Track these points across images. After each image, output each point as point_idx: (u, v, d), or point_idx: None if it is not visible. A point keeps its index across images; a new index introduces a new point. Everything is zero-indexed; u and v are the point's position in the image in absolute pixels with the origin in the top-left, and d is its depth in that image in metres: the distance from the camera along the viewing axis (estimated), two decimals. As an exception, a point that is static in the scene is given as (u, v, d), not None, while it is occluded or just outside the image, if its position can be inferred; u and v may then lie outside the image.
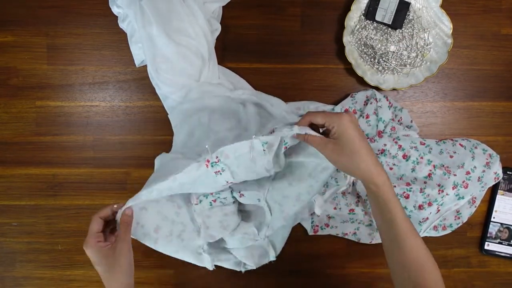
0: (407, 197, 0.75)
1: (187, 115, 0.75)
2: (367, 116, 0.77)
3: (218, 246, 0.74)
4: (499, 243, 0.80)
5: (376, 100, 0.77)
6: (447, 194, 0.75)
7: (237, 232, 0.72)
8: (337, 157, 0.56)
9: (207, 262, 0.71)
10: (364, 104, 0.78)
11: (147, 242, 0.68)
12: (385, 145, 0.76)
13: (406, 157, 0.76)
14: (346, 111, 0.65)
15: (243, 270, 0.76)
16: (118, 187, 0.80)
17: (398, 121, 0.79)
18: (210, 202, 0.70)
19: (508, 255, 0.80)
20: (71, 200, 0.80)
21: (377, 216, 0.59)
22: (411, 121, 0.79)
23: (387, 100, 0.78)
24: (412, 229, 0.57)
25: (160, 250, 0.69)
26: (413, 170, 0.76)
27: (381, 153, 0.76)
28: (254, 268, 0.75)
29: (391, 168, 0.77)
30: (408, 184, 0.75)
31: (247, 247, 0.74)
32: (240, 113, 0.75)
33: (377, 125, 0.77)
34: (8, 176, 0.80)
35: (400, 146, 0.76)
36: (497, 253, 0.81)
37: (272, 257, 0.75)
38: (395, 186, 0.75)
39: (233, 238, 0.72)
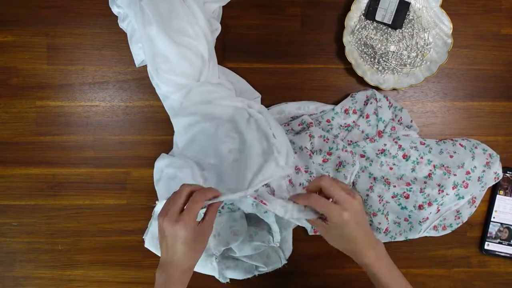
0: (407, 197, 0.75)
1: (191, 123, 0.74)
2: (367, 116, 0.77)
3: (223, 254, 0.75)
4: (499, 243, 0.80)
5: (376, 100, 0.77)
6: (447, 194, 0.75)
7: (255, 240, 0.72)
8: (328, 239, 0.59)
9: (214, 271, 0.72)
10: (364, 104, 0.78)
11: (159, 251, 0.69)
12: (385, 145, 0.76)
13: (406, 157, 0.76)
14: (347, 194, 0.57)
15: (256, 273, 0.76)
16: (118, 187, 0.80)
17: (398, 121, 0.79)
18: (219, 210, 0.70)
19: (508, 255, 0.80)
20: (71, 200, 0.80)
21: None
22: (411, 121, 0.79)
23: (387, 100, 0.78)
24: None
25: None
26: (413, 170, 0.76)
27: (381, 153, 0.76)
28: (267, 270, 0.76)
29: (391, 168, 0.77)
30: (408, 184, 0.75)
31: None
32: (245, 134, 0.72)
33: (377, 125, 0.77)
34: (8, 176, 0.80)
35: (400, 146, 0.76)
36: (497, 253, 0.81)
37: (284, 259, 0.76)
38: (394, 186, 0.75)
39: (248, 245, 0.72)
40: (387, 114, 0.77)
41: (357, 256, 0.58)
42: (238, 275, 0.75)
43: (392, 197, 0.76)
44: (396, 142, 0.76)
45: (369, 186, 0.76)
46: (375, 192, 0.75)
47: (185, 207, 0.56)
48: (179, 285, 0.59)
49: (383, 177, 0.76)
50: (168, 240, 0.56)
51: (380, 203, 0.76)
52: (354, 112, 0.78)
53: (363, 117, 0.77)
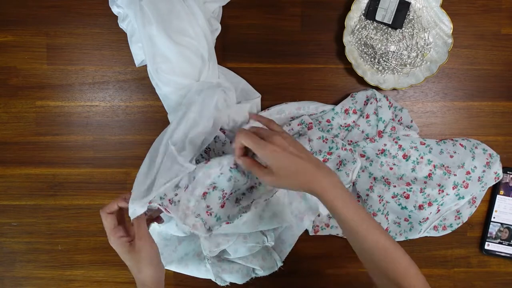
0: (407, 197, 0.75)
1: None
2: (367, 116, 0.77)
3: (219, 257, 0.74)
4: (499, 243, 0.80)
5: (376, 100, 0.77)
6: (447, 194, 0.75)
7: (249, 241, 0.72)
8: (277, 184, 0.58)
9: (209, 273, 0.72)
10: (364, 104, 0.78)
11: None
12: (385, 145, 0.76)
13: (406, 157, 0.76)
14: (277, 133, 0.59)
15: (253, 276, 0.76)
16: (118, 187, 0.80)
17: (398, 121, 0.79)
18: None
19: (508, 255, 0.80)
20: (71, 200, 0.80)
21: (336, 221, 0.58)
22: (411, 121, 0.79)
23: (387, 100, 0.78)
24: (369, 223, 0.55)
25: (167, 267, 0.73)
26: (413, 170, 0.76)
27: (381, 153, 0.76)
28: (264, 274, 0.75)
29: (391, 168, 0.77)
30: (408, 184, 0.75)
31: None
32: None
33: (377, 125, 0.77)
34: (8, 176, 0.80)
35: (400, 146, 0.76)
36: (497, 253, 0.81)
37: (279, 262, 0.76)
38: (394, 186, 0.75)
39: (243, 246, 0.72)
40: (387, 114, 0.77)
41: (309, 186, 0.56)
42: (237, 279, 0.75)
43: (392, 197, 0.76)
44: (396, 142, 0.76)
45: (369, 186, 0.76)
46: (375, 192, 0.75)
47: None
48: None
49: (383, 177, 0.76)
50: None
51: (380, 203, 0.76)
52: (354, 112, 0.78)
53: (363, 117, 0.77)
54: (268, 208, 0.71)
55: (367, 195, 0.76)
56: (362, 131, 0.78)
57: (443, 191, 0.75)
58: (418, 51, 0.78)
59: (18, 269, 0.81)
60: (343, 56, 0.78)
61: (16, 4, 0.78)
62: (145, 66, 0.76)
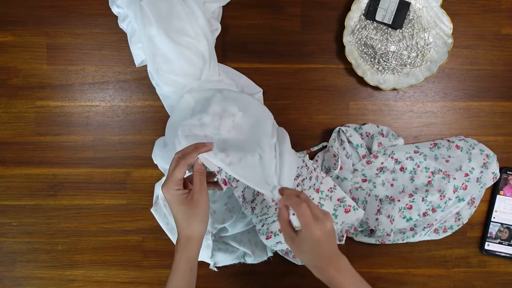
0: (410, 208, 0.76)
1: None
2: (344, 149, 0.77)
3: (215, 236, 0.76)
4: (499, 243, 0.80)
5: (344, 132, 0.77)
6: (449, 199, 0.75)
7: (247, 217, 0.72)
8: (299, 252, 0.58)
9: (208, 248, 0.72)
10: (340, 143, 0.78)
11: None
12: (382, 163, 0.77)
13: (403, 169, 0.77)
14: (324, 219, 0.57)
15: (242, 261, 0.77)
16: (118, 187, 0.80)
17: (381, 134, 0.79)
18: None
19: (508, 255, 0.80)
20: (71, 200, 0.80)
21: None
22: (392, 134, 0.79)
23: (348, 126, 0.78)
24: None
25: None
26: (412, 180, 0.77)
27: (380, 171, 0.77)
28: (253, 261, 0.76)
29: (392, 185, 0.77)
30: (411, 195, 0.75)
31: (248, 233, 0.75)
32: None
33: (357, 152, 0.77)
34: (8, 176, 0.80)
35: (396, 160, 0.76)
36: (497, 253, 0.81)
37: (270, 251, 0.76)
38: (399, 201, 0.75)
39: (241, 221, 0.73)
40: (357, 138, 0.77)
41: (319, 271, 0.57)
42: (227, 259, 0.75)
43: (398, 212, 0.76)
44: (392, 157, 0.76)
45: (376, 209, 0.76)
46: (383, 213, 0.75)
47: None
48: (183, 253, 0.59)
49: (387, 197, 0.76)
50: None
51: (391, 223, 0.75)
52: (335, 156, 0.77)
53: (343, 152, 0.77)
54: None
55: (377, 219, 0.76)
56: (353, 164, 0.78)
57: (444, 196, 0.75)
58: (418, 51, 0.78)
59: (18, 269, 0.81)
60: (343, 56, 0.78)
61: (16, 4, 0.78)
62: (145, 66, 0.76)
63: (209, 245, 0.73)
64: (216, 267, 0.75)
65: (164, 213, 0.76)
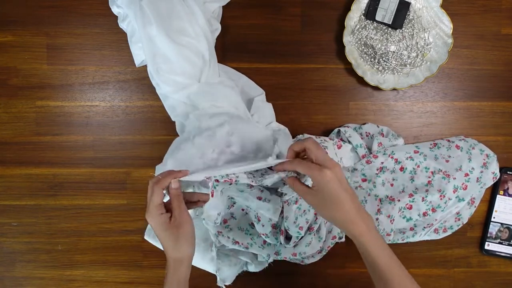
0: (410, 207, 0.76)
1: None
2: (339, 146, 0.78)
3: (218, 250, 0.75)
4: (499, 243, 0.80)
5: (343, 133, 0.77)
6: (449, 199, 0.75)
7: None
8: (317, 208, 0.58)
9: (212, 261, 0.72)
10: (338, 148, 0.78)
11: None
12: (382, 162, 0.76)
13: (403, 169, 0.77)
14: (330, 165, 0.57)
15: (245, 269, 0.77)
16: (118, 187, 0.80)
17: (381, 134, 0.79)
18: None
19: (508, 255, 0.80)
20: (71, 200, 0.80)
21: (365, 262, 0.59)
22: (390, 131, 0.79)
23: (347, 127, 0.78)
24: (399, 270, 0.57)
25: None
26: (412, 180, 0.77)
27: (380, 170, 0.77)
28: (254, 269, 0.76)
29: (391, 184, 0.77)
30: (411, 195, 0.75)
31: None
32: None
33: (356, 152, 0.77)
34: (8, 176, 0.80)
35: (396, 160, 0.76)
36: (497, 253, 0.81)
37: (266, 257, 0.76)
38: (399, 200, 0.75)
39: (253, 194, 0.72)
40: (356, 138, 0.77)
41: (347, 225, 0.57)
42: (233, 272, 0.76)
43: (398, 212, 0.76)
44: (392, 157, 0.76)
45: (376, 209, 0.76)
46: (383, 213, 0.75)
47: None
48: (174, 275, 0.60)
49: (388, 196, 0.76)
50: None
51: (392, 223, 0.75)
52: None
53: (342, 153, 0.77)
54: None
55: (377, 219, 0.76)
56: (354, 163, 0.78)
57: (444, 196, 0.75)
58: (418, 51, 0.78)
59: (18, 269, 0.81)
60: (343, 56, 0.78)
61: (16, 4, 0.78)
62: (145, 66, 0.76)
63: (213, 257, 0.73)
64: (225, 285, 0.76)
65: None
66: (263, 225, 0.72)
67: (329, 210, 0.57)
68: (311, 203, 0.58)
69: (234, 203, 0.75)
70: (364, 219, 0.57)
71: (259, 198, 0.71)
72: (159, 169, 0.68)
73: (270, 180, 0.63)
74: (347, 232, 0.58)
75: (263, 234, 0.73)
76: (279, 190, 0.71)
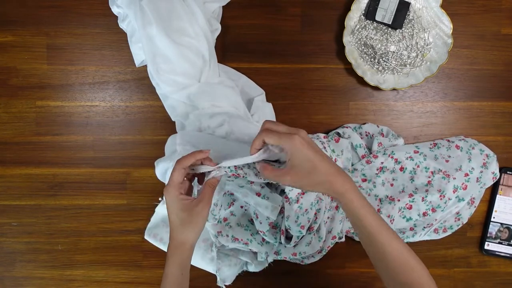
0: (409, 207, 0.76)
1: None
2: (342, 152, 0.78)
3: (219, 251, 0.75)
4: (499, 243, 0.80)
5: (341, 135, 0.78)
6: (449, 199, 0.75)
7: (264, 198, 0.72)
8: (297, 182, 0.56)
9: (212, 261, 0.72)
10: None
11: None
12: (382, 162, 0.76)
13: (403, 169, 0.77)
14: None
15: (245, 269, 0.77)
16: (118, 187, 0.80)
17: (381, 134, 0.79)
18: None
19: (508, 255, 0.80)
20: (71, 200, 0.80)
21: (351, 223, 0.59)
22: (390, 132, 0.79)
23: (347, 127, 0.78)
24: (386, 229, 0.56)
25: None
26: (412, 180, 0.76)
27: (380, 170, 0.77)
28: (254, 269, 0.76)
29: (391, 184, 0.77)
30: (411, 195, 0.75)
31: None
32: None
33: (356, 152, 0.77)
34: (8, 176, 0.80)
35: (396, 160, 0.76)
36: (497, 253, 0.81)
37: (264, 254, 0.76)
38: (398, 200, 0.75)
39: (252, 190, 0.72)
40: (356, 138, 0.77)
41: (332, 185, 0.55)
42: (233, 272, 0.76)
43: (398, 212, 0.76)
44: (392, 157, 0.76)
45: (376, 209, 0.76)
46: (383, 213, 0.75)
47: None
48: (175, 256, 0.59)
49: (387, 196, 0.76)
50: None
51: (392, 223, 0.75)
52: (335, 161, 0.77)
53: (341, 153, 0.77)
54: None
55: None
56: (352, 164, 0.78)
57: (444, 196, 0.75)
58: (418, 51, 0.78)
59: (18, 269, 0.81)
60: (343, 56, 0.78)
61: (16, 4, 0.78)
62: (145, 66, 0.76)
63: (213, 257, 0.73)
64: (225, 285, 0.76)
65: (160, 238, 0.78)
66: (260, 223, 0.73)
67: (310, 177, 0.55)
68: (290, 181, 0.56)
69: (234, 200, 0.75)
70: (346, 176, 0.57)
71: (258, 195, 0.71)
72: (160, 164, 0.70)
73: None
74: (333, 193, 0.56)
75: (261, 232, 0.73)
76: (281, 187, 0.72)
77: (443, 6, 0.76)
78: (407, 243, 0.79)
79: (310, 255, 0.76)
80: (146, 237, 0.78)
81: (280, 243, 0.74)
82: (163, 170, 0.72)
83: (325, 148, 0.74)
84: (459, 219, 0.79)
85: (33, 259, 0.81)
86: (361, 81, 0.78)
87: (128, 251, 0.81)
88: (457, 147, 0.78)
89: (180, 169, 0.58)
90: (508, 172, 0.80)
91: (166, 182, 0.74)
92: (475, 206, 0.79)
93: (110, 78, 0.80)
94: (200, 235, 0.61)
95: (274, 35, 0.79)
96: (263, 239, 0.75)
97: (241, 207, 0.76)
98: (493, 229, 0.80)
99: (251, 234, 0.74)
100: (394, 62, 0.78)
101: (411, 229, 0.77)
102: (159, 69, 0.72)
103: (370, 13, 0.77)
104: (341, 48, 0.78)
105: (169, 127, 0.78)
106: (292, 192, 0.70)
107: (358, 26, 0.78)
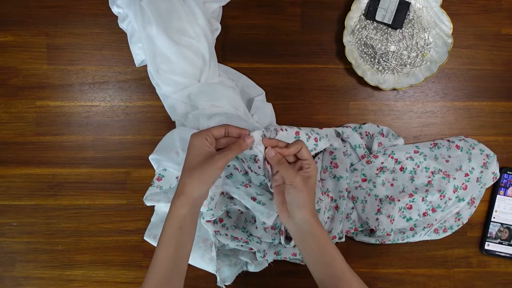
0: (410, 207, 0.76)
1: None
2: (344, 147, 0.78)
3: (218, 251, 0.75)
4: (499, 243, 0.80)
5: (343, 133, 0.78)
6: (449, 199, 0.75)
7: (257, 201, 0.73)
8: (299, 191, 0.61)
9: (212, 261, 0.72)
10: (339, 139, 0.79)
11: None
12: (382, 162, 0.76)
13: (403, 169, 0.77)
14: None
15: (245, 269, 0.77)
16: (118, 187, 0.80)
17: (382, 134, 0.79)
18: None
19: (508, 255, 0.80)
20: (71, 200, 0.80)
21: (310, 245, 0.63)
22: (391, 132, 0.79)
23: (347, 127, 0.78)
24: (335, 248, 0.63)
25: None
26: (412, 180, 0.76)
27: (380, 170, 0.77)
28: (254, 269, 0.76)
29: (391, 184, 0.77)
30: (411, 195, 0.75)
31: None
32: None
33: (355, 152, 0.78)
34: (8, 176, 0.80)
35: (396, 160, 0.76)
36: (497, 253, 0.81)
37: (263, 255, 0.76)
38: (399, 200, 0.75)
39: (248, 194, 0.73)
40: (356, 138, 0.77)
41: (311, 208, 0.62)
42: (233, 272, 0.76)
43: (398, 212, 0.76)
44: (392, 157, 0.76)
45: (376, 209, 0.76)
46: (384, 213, 0.75)
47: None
48: (174, 210, 0.59)
49: (388, 196, 0.76)
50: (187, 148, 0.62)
51: (392, 223, 0.75)
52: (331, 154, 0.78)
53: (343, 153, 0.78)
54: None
55: (377, 219, 0.75)
56: (352, 164, 0.78)
57: (444, 196, 0.75)
58: (418, 51, 0.78)
59: (18, 269, 0.81)
60: (343, 56, 0.78)
61: (16, 4, 0.78)
62: (145, 66, 0.76)
63: (213, 257, 0.73)
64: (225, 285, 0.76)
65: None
66: (256, 228, 0.74)
67: (307, 197, 0.62)
68: (296, 186, 0.61)
69: (231, 203, 0.75)
70: (313, 206, 0.64)
71: (253, 199, 0.71)
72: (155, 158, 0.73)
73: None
74: (306, 214, 0.62)
75: (256, 237, 0.73)
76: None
77: (443, 6, 0.76)
78: (407, 243, 0.79)
79: None
80: (145, 238, 0.78)
81: (280, 243, 0.74)
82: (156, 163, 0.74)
83: (309, 137, 0.74)
84: (459, 219, 0.79)
85: (33, 259, 0.81)
86: (361, 81, 0.78)
87: (128, 251, 0.81)
88: (457, 147, 0.78)
89: (221, 129, 0.61)
90: (508, 172, 0.80)
91: (160, 174, 0.75)
92: (475, 206, 0.79)
93: (110, 78, 0.80)
94: (204, 194, 0.61)
95: (274, 35, 0.79)
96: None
97: (238, 210, 0.76)
98: (493, 229, 0.80)
99: (249, 235, 0.74)
100: (394, 62, 0.78)
101: (411, 229, 0.77)
102: (159, 69, 0.72)
103: (370, 13, 0.77)
104: (341, 48, 0.78)
105: (169, 127, 0.78)
106: None
107: (358, 26, 0.78)
